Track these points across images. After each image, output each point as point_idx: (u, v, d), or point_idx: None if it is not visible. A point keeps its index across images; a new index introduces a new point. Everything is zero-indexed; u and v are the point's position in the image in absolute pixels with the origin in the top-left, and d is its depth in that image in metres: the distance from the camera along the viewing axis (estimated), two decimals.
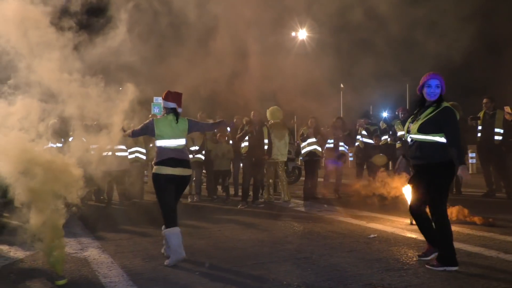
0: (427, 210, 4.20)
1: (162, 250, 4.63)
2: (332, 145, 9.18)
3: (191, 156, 8.69)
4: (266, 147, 8.33)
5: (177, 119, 4.61)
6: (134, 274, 3.98)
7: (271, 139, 8.44)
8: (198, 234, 5.74)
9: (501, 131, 8.40)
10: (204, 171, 9.71)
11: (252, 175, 8.36)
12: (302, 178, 10.60)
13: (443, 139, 4.01)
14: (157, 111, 23.47)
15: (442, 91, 4.12)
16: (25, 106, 4.16)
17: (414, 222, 4.46)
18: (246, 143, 8.31)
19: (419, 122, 4.09)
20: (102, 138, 5.33)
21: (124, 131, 4.95)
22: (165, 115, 4.69)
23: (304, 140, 8.99)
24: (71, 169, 4.05)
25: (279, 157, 8.68)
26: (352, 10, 8.88)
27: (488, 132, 8.51)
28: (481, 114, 8.69)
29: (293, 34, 13.60)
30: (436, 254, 4.08)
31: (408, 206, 4.37)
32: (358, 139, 9.48)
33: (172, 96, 4.66)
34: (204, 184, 10.01)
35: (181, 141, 4.64)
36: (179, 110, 4.69)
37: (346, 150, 9.65)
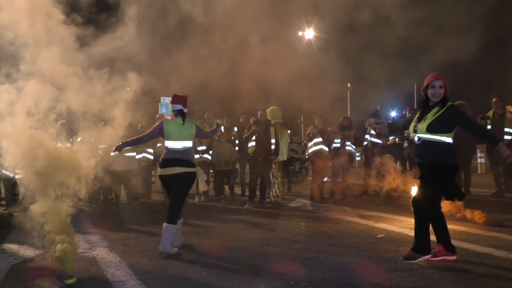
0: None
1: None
2: (339, 145, 9.16)
3: (198, 156, 8.74)
4: (273, 146, 8.33)
5: (183, 120, 4.94)
6: (142, 274, 4.00)
7: (278, 139, 8.44)
8: (205, 234, 5.75)
9: (511, 130, 8.32)
10: (211, 171, 9.74)
11: (259, 174, 8.36)
12: (309, 178, 10.59)
13: (450, 140, 4.11)
14: (165, 111, 23.57)
15: (447, 91, 4.16)
16: (35, 92, 4.21)
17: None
18: (253, 143, 8.31)
19: (427, 121, 4.13)
20: (110, 137, 5.38)
21: (118, 149, 4.98)
22: (173, 117, 5.04)
23: (311, 140, 8.97)
24: (80, 159, 4.12)
25: (279, 157, 8.68)
26: (359, 9, 8.86)
27: (498, 132, 8.42)
28: (490, 114, 8.61)
29: (300, 33, 13.58)
30: (447, 257, 4.13)
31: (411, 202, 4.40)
32: (367, 138, 9.45)
33: (177, 99, 5.00)
34: (211, 184, 10.03)
35: (186, 143, 4.94)
36: (185, 110, 5.01)
37: (353, 150, 9.61)
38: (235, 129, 10.20)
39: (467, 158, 8.92)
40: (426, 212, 4.15)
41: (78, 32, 4.79)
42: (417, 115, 4.34)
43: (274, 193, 8.82)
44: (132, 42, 5.76)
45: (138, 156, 8.86)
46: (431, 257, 4.19)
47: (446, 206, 6.00)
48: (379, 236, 5.32)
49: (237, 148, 9.72)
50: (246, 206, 8.09)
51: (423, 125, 4.14)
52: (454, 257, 4.16)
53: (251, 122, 8.68)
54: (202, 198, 9.13)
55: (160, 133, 5.00)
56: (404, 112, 9.61)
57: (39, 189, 4.02)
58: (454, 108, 4.13)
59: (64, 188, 4.06)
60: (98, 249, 4.97)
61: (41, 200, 4.00)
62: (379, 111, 11.98)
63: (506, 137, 8.34)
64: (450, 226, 4.16)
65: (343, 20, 9.02)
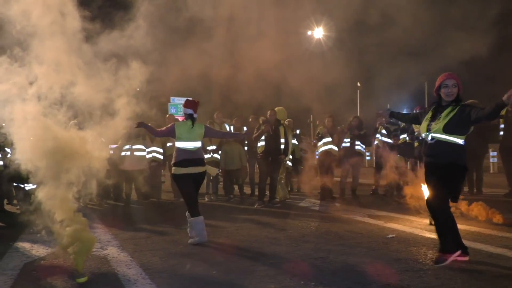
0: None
1: (188, 231, 5.35)
2: (348, 144, 9.11)
3: (209, 155, 8.79)
4: (282, 146, 8.32)
5: (193, 124, 5.45)
6: (153, 273, 4.02)
7: (287, 139, 8.43)
8: (215, 233, 5.77)
9: None
10: (220, 170, 9.76)
11: (268, 174, 8.36)
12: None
13: (462, 142, 4.09)
14: (174, 111, 23.70)
15: (460, 91, 4.12)
16: (47, 79, 4.24)
17: (433, 222, 4.40)
18: (263, 143, 8.31)
19: (444, 121, 4.08)
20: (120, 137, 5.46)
21: (143, 125, 5.53)
22: (184, 120, 5.57)
23: (320, 140, 8.94)
24: (90, 149, 4.16)
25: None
26: (368, 8, 8.80)
27: (511, 131, 8.31)
28: (503, 112, 8.48)
29: (309, 33, 13.54)
30: (453, 254, 4.06)
31: (425, 202, 4.35)
32: (377, 137, 9.39)
33: (190, 104, 5.53)
34: (221, 183, 10.05)
35: (197, 144, 5.45)
36: (195, 115, 5.54)
37: (363, 150, 9.56)
38: (245, 128, 10.21)
39: (480, 157, 8.81)
40: (443, 211, 4.09)
41: (89, 28, 4.82)
42: (429, 115, 4.28)
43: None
44: (145, 42, 5.83)
45: (147, 156, 8.92)
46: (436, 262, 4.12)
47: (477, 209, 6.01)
48: (390, 236, 5.28)
49: (246, 148, 9.73)
50: (255, 206, 8.09)
51: (439, 125, 4.09)
52: (457, 255, 4.06)
53: (260, 122, 8.68)
54: (212, 197, 9.15)
55: (170, 134, 5.53)
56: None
57: (50, 176, 4.03)
58: (466, 105, 4.11)
59: (74, 176, 4.08)
60: (109, 248, 5.02)
61: (51, 188, 4.01)
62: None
63: None
64: (462, 227, 4.12)
65: (352, 19, 8.97)
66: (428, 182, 4.30)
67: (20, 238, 5.60)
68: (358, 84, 24.14)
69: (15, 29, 4.23)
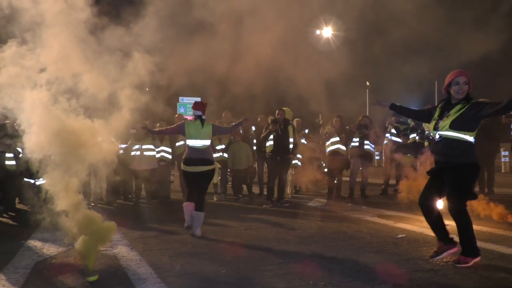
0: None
1: (185, 225, 5.87)
2: (357, 144, 9.06)
3: (218, 154, 8.82)
4: (291, 146, 8.30)
5: (202, 124, 5.79)
6: (162, 272, 4.04)
7: (296, 138, 8.40)
8: (224, 233, 5.78)
9: None
10: (229, 170, 9.76)
11: (277, 174, 8.35)
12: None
13: (471, 139, 3.99)
14: (183, 110, 23.81)
15: (470, 89, 4.06)
16: (57, 72, 4.29)
17: (427, 221, 4.37)
18: (271, 142, 8.30)
19: (451, 118, 4.01)
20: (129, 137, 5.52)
21: (147, 128, 6.25)
22: (193, 120, 5.90)
23: (328, 139, 8.90)
24: (100, 140, 4.20)
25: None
26: (377, 7, 8.74)
27: None
28: None
29: (318, 32, 13.50)
30: (449, 251, 4.07)
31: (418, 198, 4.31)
32: (387, 137, 9.33)
33: (198, 106, 5.94)
34: (230, 183, 10.06)
35: (205, 142, 5.81)
36: (203, 117, 5.88)
37: (372, 149, 9.50)
38: (253, 128, 10.21)
39: (491, 157, 8.71)
40: (463, 217, 3.97)
41: (98, 23, 4.88)
42: (437, 113, 4.20)
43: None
44: (156, 42, 5.90)
45: (157, 156, 8.96)
46: (434, 257, 4.12)
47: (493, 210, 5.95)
48: (400, 236, 5.24)
49: (255, 148, 9.72)
50: (264, 206, 8.09)
51: (446, 122, 4.02)
52: (456, 249, 4.06)
53: (269, 121, 8.67)
54: (221, 197, 9.17)
55: (180, 131, 5.97)
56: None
57: (58, 163, 4.07)
58: (477, 102, 4.03)
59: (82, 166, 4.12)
60: (119, 247, 5.05)
61: (58, 175, 4.06)
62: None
63: None
64: (474, 227, 4.05)
65: (361, 19, 8.91)
66: (431, 181, 4.22)
67: (32, 237, 5.66)
68: (368, 83, 24.01)
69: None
